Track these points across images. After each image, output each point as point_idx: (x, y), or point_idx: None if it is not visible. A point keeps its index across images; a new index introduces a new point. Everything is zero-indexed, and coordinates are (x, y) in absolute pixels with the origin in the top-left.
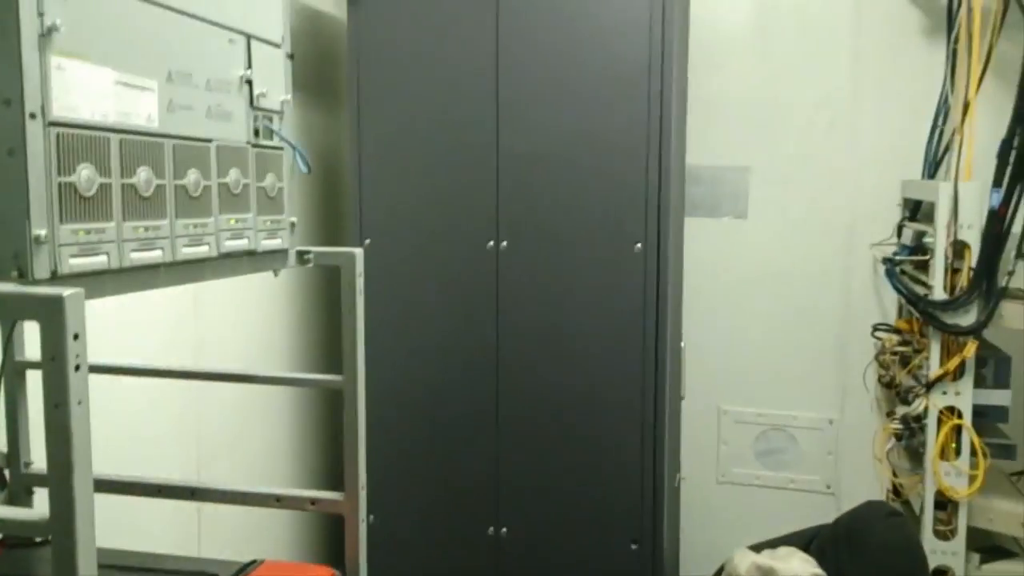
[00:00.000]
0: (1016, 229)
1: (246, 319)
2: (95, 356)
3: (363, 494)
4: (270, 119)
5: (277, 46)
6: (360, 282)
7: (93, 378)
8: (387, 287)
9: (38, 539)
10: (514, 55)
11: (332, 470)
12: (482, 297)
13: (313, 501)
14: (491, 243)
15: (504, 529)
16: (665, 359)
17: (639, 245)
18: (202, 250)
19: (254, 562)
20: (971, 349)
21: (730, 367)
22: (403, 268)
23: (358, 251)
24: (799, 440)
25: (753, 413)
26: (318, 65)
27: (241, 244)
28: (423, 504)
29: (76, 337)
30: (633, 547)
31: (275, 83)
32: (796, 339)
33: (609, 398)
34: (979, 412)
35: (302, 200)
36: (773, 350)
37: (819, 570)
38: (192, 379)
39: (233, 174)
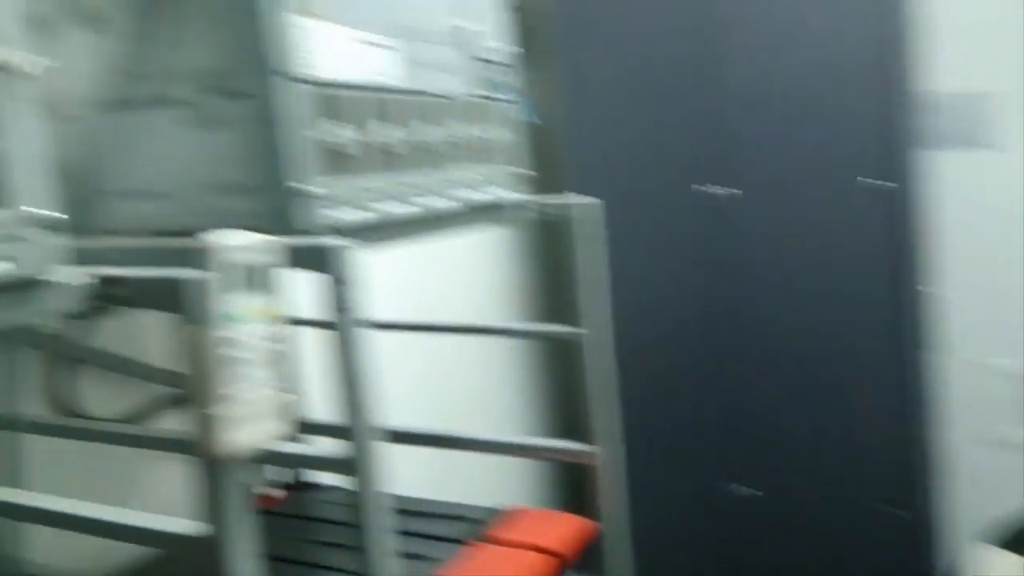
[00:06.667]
0: None
1: (467, 277)
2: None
3: (618, 446)
4: (501, 72)
5: None
6: (601, 233)
7: None
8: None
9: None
10: None
11: (556, 421)
12: (712, 247)
13: (561, 451)
14: (718, 189)
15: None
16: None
17: (876, 181)
18: (452, 204)
19: (502, 509)
20: None
21: (991, 315)
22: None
23: (598, 202)
24: None
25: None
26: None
27: (485, 197)
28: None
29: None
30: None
31: (502, 36)
32: None
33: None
34: None
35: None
36: None
37: None
38: (437, 332)
39: (471, 129)
